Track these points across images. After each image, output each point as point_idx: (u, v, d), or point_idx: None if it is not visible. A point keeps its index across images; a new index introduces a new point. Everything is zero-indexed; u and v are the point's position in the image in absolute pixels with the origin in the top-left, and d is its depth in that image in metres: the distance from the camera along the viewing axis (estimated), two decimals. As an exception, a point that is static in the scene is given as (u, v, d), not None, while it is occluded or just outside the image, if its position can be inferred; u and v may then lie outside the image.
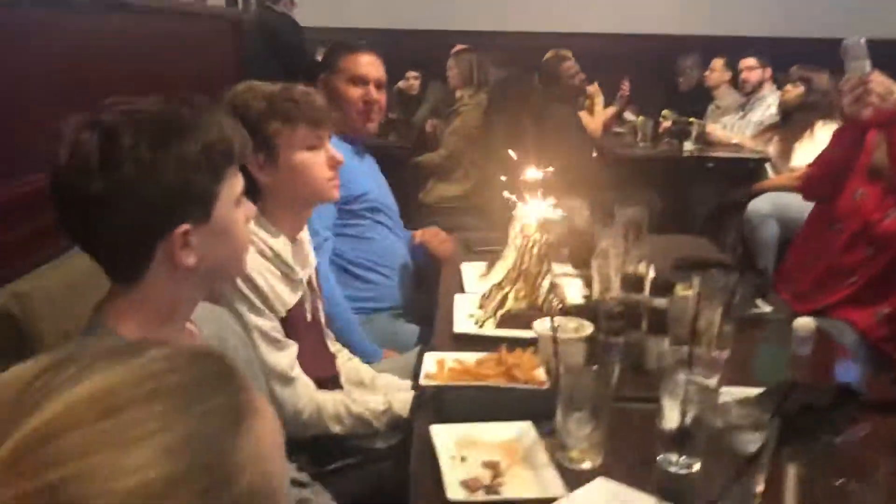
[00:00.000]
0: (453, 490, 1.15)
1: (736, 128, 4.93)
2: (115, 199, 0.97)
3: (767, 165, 4.42)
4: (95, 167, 0.96)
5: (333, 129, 1.80)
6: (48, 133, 1.00)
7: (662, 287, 1.60)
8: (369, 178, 2.52)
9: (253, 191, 1.66)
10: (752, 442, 1.05)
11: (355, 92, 2.46)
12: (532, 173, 1.99)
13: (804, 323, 1.68)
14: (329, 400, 1.67)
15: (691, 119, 4.67)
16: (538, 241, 1.83)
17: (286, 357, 1.62)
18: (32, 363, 0.52)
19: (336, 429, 1.66)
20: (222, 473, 0.51)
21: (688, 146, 4.55)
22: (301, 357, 1.69)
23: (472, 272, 2.19)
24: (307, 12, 5.33)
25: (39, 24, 1.90)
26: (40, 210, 1.54)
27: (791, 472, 0.92)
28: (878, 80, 1.91)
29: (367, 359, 2.07)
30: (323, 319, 1.87)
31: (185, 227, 1.02)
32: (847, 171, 2.34)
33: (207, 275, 1.10)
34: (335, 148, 1.77)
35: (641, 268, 1.67)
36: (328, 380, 1.81)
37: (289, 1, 5.10)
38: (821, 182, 2.43)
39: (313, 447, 1.67)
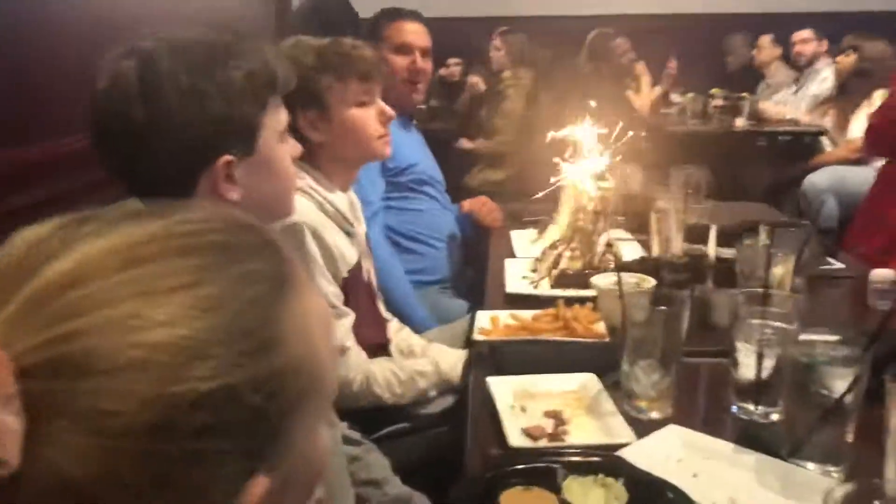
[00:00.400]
0: (515, 437, 1.08)
1: (790, 103, 4.77)
2: (156, 128, 0.93)
3: (824, 139, 4.26)
4: (135, 94, 0.92)
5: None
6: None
7: (730, 238, 1.51)
8: (417, 150, 2.46)
9: (303, 147, 1.63)
10: (842, 378, 0.96)
11: (402, 61, 2.40)
12: (583, 131, 1.91)
13: (881, 274, 1.57)
14: (378, 369, 1.62)
15: (743, 94, 4.53)
16: (592, 197, 1.75)
17: (342, 326, 1.57)
18: (49, 222, 0.46)
19: (386, 397, 1.61)
20: (262, 339, 0.45)
21: (739, 122, 4.40)
22: (358, 320, 1.65)
23: (522, 238, 2.12)
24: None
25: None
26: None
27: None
28: None
29: (420, 329, 2.02)
30: (375, 284, 1.82)
31: (227, 157, 0.97)
32: None
33: (253, 212, 1.05)
34: None
35: (705, 220, 1.58)
36: (380, 346, 1.76)
37: None
38: (883, 133, 2.32)
39: (365, 415, 1.62)
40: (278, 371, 0.46)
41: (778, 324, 1.16)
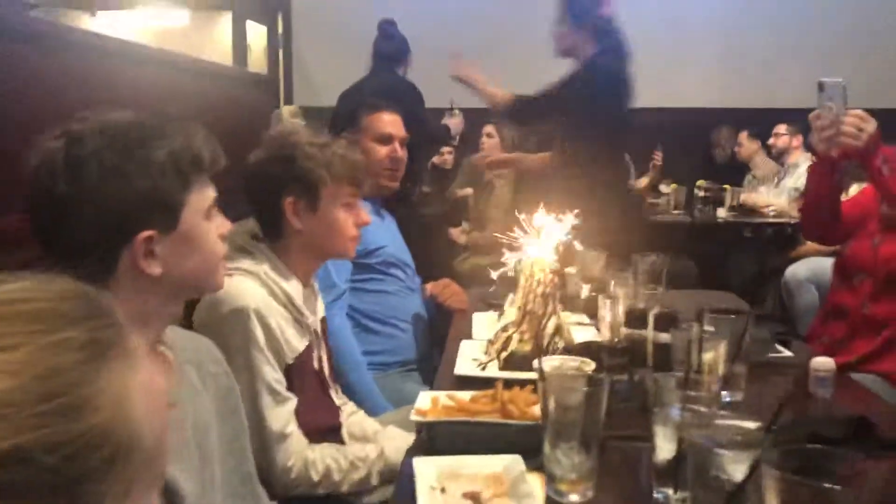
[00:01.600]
0: (427, 517, 1.09)
1: (772, 196, 4.86)
2: (79, 202, 0.98)
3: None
4: (60, 171, 0.98)
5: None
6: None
7: (667, 322, 1.54)
8: (386, 234, 2.52)
9: (276, 229, 1.69)
10: (740, 462, 0.97)
11: (382, 150, 2.49)
12: (541, 219, 1.95)
13: (821, 362, 1.58)
14: (319, 456, 1.61)
15: (725, 186, 4.62)
16: (542, 281, 1.78)
17: (284, 412, 1.59)
18: None
19: (325, 484, 1.60)
20: (63, 404, 0.48)
21: (721, 213, 4.47)
22: (304, 406, 1.66)
23: (483, 321, 2.14)
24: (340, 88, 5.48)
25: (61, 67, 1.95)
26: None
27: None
28: (850, 122, 1.94)
29: (377, 413, 2.03)
30: (327, 370, 1.84)
31: (148, 233, 1.02)
32: (863, 219, 2.29)
33: (176, 287, 1.09)
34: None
35: (648, 305, 1.61)
36: (330, 430, 1.77)
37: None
38: (808, 218, 2.38)
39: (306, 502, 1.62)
40: (79, 435, 0.48)
41: (696, 408, 1.17)
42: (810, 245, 4.20)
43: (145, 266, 1.03)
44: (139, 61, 2.35)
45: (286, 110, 4.53)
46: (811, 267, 3.98)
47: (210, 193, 1.11)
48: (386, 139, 2.50)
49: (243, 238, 1.72)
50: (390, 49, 4.13)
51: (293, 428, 1.60)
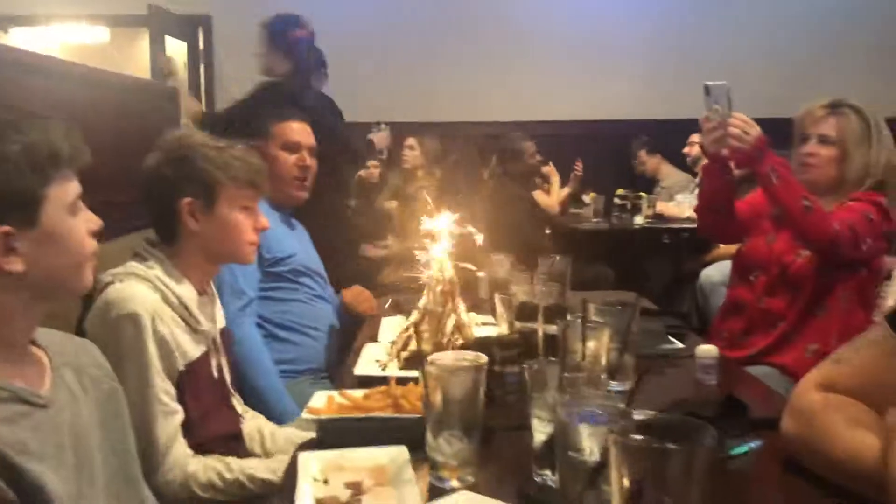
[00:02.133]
0: (304, 506, 1.09)
1: (688, 202, 5.01)
2: None
3: (716, 238, 4.46)
4: None
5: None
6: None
7: (556, 314, 1.58)
8: (297, 243, 2.52)
9: (172, 232, 1.67)
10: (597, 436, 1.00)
11: (290, 158, 2.49)
12: (440, 222, 1.98)
13: (706, 349, 1.65)
14: (202, 468, 1.59)
15: (641, 193, 4.75)
16: (441, 280, 1.81)
17: (171, 425, 1.57)
18: None
19: (208, 497, 1.58)
20: None
21: (638, 220, 4.60)
22: (201, 414, 1.65)
23: (391, 324, 2.16)
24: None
25: None
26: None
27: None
28: (736, 123, 2.05)
29: (286, 420, 2.01)
30: (229, 379, 1.82)
31: (5, 228, 1.00)
32: (757, 219, 2.39)
33: (41, 285, 1.07)
34: (265, 214, 1.81)
35: (542, 301, 1.65)
36: (230, 437, 1.76)
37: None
38: (703, 215, 2.47)
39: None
40: None
41: (574, 391, 1.21)
42: (723, 248, 4.34)
43: (5, 262, 1.01)
44: (43, 73, 2.30)
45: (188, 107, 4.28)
46: (723, 270, 4.10)
47: (73, 188, 1.09)
48: (294, 147, 2.50)
49: (138, 243, 1.70)
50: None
51: (178, 440, 1.57)
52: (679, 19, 6.30)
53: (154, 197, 1.69)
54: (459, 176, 4.54)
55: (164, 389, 1.56)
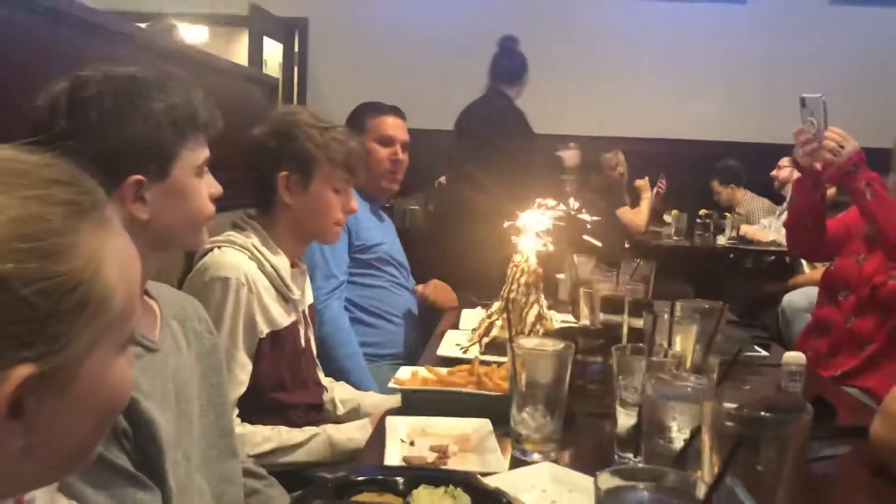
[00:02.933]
0: (392, 462, 1.13)
1: (773, 227, 4.90)
2: (75, 140, 1.04)
3: (803, 261, 4.35)
4: (63, 108, 1.04)
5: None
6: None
7: (642, 307, 1.58)
8: (384, 234, 2.58)
9: (268, 202, 1.75)
10: (688, 414, 1.02)
11: (384, 152, 2.57)
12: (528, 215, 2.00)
13: (794, 356, 1.62)
14: (250, 432, 1.62)
15: (726, 213, 4.67)
16: (527, 270, 1.84)
17: (239, 389, 1.62)
18: None
19: (266, 447, 1.62)
20: (44, 248, 0.54)
21: (721, 240, 4.52)
22: (285, 380, 1.71)
23: (472, 315, 2.19)
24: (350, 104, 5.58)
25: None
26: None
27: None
28: (831, 137, 2.00)
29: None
30: (315, 351, 1.89)
31: (138, 177, 1.07)
32: (848, 238, 2.33)
33: (159, 237, 1.13)
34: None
35: (621, 291, 1.66)
36: (312, 407, 1.82)
37: None
38: (793, 231, 2.41)
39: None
40: (53, 276, 0.54)
41: (656, 377, 1.22)
42: (808, 274, 4.24)
43: (134, 210, 1.09)
44: (156, 51, 2.44)
45: None
46: (807, 295, 4.00)
47: (203, 153, 1.16)
48: (388, 141, 2.57)
49: (238, 215, 1.78)
50: (507, 65, 3.98)
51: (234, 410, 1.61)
52: (764, 43, 6.17)
53: (255, 166, 1.77)
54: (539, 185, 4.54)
55: (237, 359, 1.61)
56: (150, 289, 1.22)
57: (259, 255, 1.68)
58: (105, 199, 0.62)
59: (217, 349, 1.35)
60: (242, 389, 1.63)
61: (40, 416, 0.55)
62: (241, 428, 1.61)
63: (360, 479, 0.96)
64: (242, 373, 1.62)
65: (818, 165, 2.12)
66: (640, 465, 1.15)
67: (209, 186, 1.20)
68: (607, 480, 0.70)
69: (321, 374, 1.92)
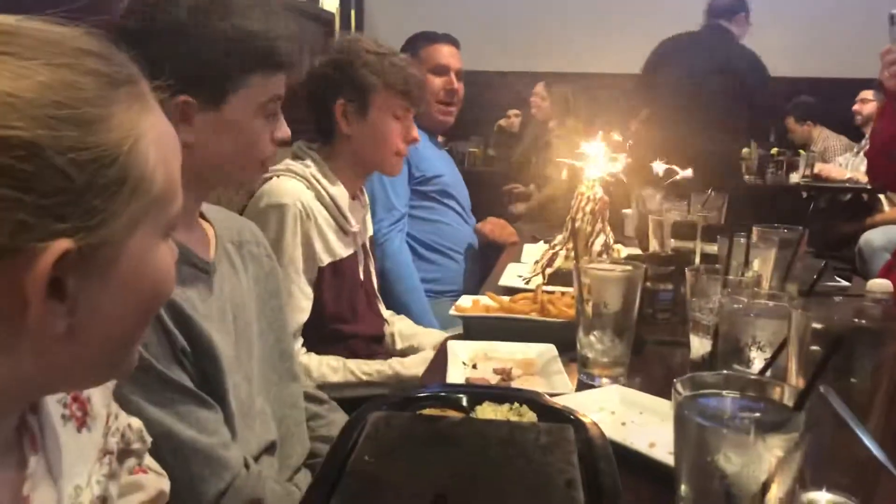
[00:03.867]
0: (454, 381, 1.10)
1: (851, 165, 4.67)
2: (133, 43, 1.00)
3: (883, 198, 4.15)
4: (148, 17, 1.00)
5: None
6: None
7: (716, 232, 1.50)
8: (444, 165, 2.53)
9: (327, 132, 1.71)
10: (769, 330, 0.95)
11: (438, 81, 2.49)
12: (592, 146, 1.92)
13: (880, 283, 1.52)
14: (315, 365, 1.61)
15: (800, 150, 4.46)
16: (592, 198, 1.77)
17: (302, 317, 1.60)
18: None
19: (333, 378, 1.60)
20: (78, 116, 0.50)
21: (794, 177, 4.33)
22: (345, 311, 1.69)
23: (533, 249, 2.14)
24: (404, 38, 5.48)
25: None
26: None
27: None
28: None
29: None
30: (375, 284, 1.86)
31: (187, 98, 1.02)
32: None
33: (203, 166, 1.07)
34: None
35: (694, 217, 1.58)
36: (372, 338, 1.80)
37: None
38: (876, 162, 2.23)
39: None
40: (90, 147, 0.51)
41: (732, 299, 1.15)
42: (888, 213, 4.04)
43: (178, 129, 1.04)
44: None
45: None
46: (886, 234, 3.82)
47: (271, 90, 1.08)
48: (442, 70, 2.50)
49: (297, 145, 1.75)
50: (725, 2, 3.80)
51: (298, 339, 1.60)
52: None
53: (314, 95, 1.73)
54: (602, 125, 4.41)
55: (298, 284, 1.59)
56: (206, 212, 1.19)
57: (317, 185, 1.65)
58: (140, 75, 0.58)
59: (275, 273, 1.33)
60: (304, 317, 1.61)
61: (83, 298, 0.52)
62: (306, 357, 1.61)
63: (422, 394, 0.92)
64: (304, 299, 1.61)
65: None
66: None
67: (277, 129, 1.12)
68: (688, 386, 0.65)
69: (382, 307, 1.90)
